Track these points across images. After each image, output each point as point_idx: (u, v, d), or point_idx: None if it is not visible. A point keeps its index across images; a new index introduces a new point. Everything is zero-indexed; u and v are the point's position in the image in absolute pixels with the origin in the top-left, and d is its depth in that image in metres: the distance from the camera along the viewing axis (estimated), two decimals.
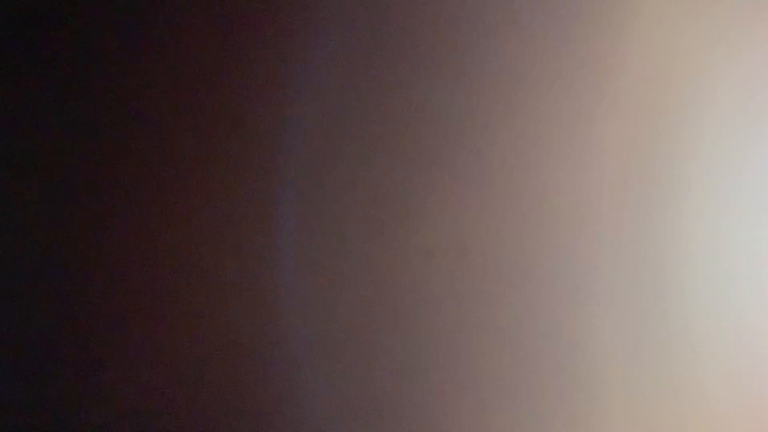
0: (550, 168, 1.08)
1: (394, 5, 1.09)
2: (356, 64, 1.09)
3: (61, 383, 1.07)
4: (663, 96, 1.08)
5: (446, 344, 1.07)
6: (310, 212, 1.08)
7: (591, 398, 1.06)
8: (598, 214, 1.07)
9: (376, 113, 1.08)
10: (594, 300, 1.07)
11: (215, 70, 1.09)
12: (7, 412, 1.07)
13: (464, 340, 1.07)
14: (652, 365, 1.07)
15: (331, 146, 1.08)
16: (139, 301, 1.07)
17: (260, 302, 1.07)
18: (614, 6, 1.08)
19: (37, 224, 1.08)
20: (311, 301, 1.07)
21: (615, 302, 1.07)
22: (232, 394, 1.07)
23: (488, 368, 1.07)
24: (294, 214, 1.08)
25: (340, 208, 1.08)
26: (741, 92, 1.08)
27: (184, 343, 1.07)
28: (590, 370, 1.07)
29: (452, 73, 1.08)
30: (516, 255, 1.07)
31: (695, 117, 1.08)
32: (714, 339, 1.07)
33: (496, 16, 1.09)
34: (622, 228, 1.07)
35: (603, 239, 1.07)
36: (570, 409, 1.06)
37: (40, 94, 1.09)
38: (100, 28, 1.09)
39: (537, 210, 1.07)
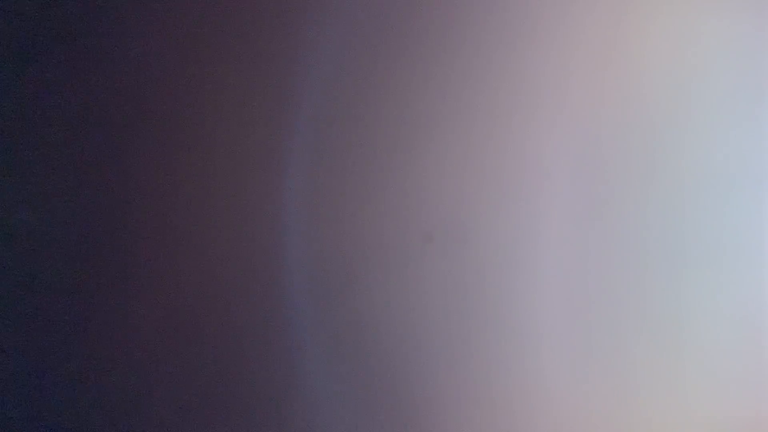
0: (551, 153, 1.08)
1: None
2: (356, 48, 1.09)
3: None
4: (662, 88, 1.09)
5: (445, 332, 1.07)
6: (310, 196, 1.08)
7: (589, 387, 1.07)
8: (600, 207, 1.08)
9: (375, 97, 1.08)
10: (598, 291, 1.07)
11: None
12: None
13: (464, 327, 1.07)
14: (650, 359, 1.07)
15: (329, 128, 1.09)
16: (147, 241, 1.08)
17: (264, 293, 1.08)
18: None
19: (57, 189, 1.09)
20: (312, 285, 1.08)
21: (619, 294, 1.08)
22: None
23: (488, 355, 1.07)
24: (295, 200, 1.08)
25: (337, 190, 1.08)
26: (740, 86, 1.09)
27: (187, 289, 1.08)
28: (592, 360, 1.07)
29: (454, 60, 1.09)
30: (518, 239, 1.08)
31: (694, 111, 1.09)
32: (711, 338, 1.07)
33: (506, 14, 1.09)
34: (625, 221, 1.08)
35: (606, 231, 1.08)
36: (571, 394, 1.07)
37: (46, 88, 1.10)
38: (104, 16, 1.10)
39: (538, 195, 1.08)
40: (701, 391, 1.07)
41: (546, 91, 1.08)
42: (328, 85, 1.09)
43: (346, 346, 1.07)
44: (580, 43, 1.08)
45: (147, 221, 1.08)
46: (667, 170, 1.08)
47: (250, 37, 1.09)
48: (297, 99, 1.09)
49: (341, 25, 1.09)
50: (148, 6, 1.09)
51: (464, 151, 1.08)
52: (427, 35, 1.08)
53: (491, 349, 1.07)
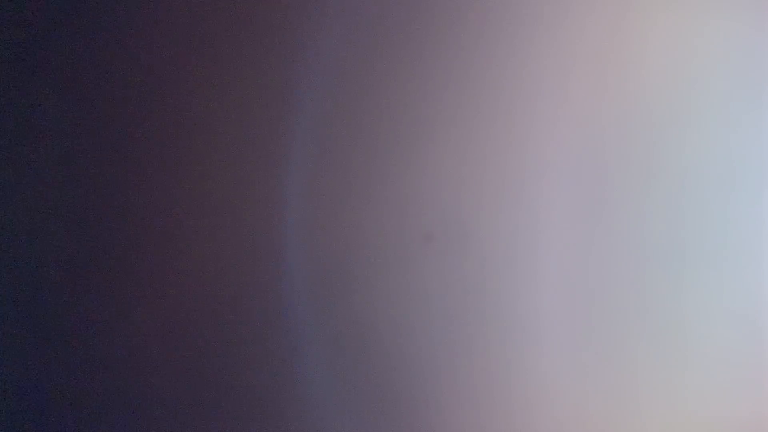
0: (551, 153, 1.08)
1: None
2: (356, 48, 1.09)
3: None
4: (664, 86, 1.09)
5: (445, 331, 1.07)
6: (310, 196, 1.09)
7: (589, 386, 1.07)
8: (600, 206, 1.08)
9: (375, 97, 1.09)
10: (599, 290, 1.07)
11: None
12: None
13: (464, 326, 1.07)
14: (650, 358, 1.07)
15: (329, 128, 1.09)
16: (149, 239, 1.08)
17: (264, 293, 1.08)
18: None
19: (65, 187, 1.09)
20: (312, 285, 1.08)
21: (619, 293, 1.07)
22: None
23: (488, 354, 1.07)
24: (295, 201, 1.08)
25: (337, 190, 1.09)
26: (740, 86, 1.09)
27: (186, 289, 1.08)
28: (592, 359, 1.07)
29: (455, 61, 1.09)
30: (518, 239, 1.07)
31: (695, 110, 1.09)
32: (711, 338, 1.07)
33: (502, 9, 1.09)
34: (626, 220, 1.08)
35: (606, 231, 1.07)
36: (571, 393, 1.07)
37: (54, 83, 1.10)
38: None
39: (538, 194, 1.08)
40: (701, 391, 1.07)
41: (546, 92, 1.09)
42: (328, 85, 1.09)
43: (346, 345, 1.07)
44: (581, 43, 1.09)
45: (147, 222, 1.09)
46: (667, 170, 1.08)
47: (250, 38, 1.09)
48: (297, 99, 1.09)
49: (341, 25, 1.09)
50: (148, 7, 1.10)
51: (464, 151, 1.08)
52: (427, 36, 1.09)
53: (491, 349, 1.07)
